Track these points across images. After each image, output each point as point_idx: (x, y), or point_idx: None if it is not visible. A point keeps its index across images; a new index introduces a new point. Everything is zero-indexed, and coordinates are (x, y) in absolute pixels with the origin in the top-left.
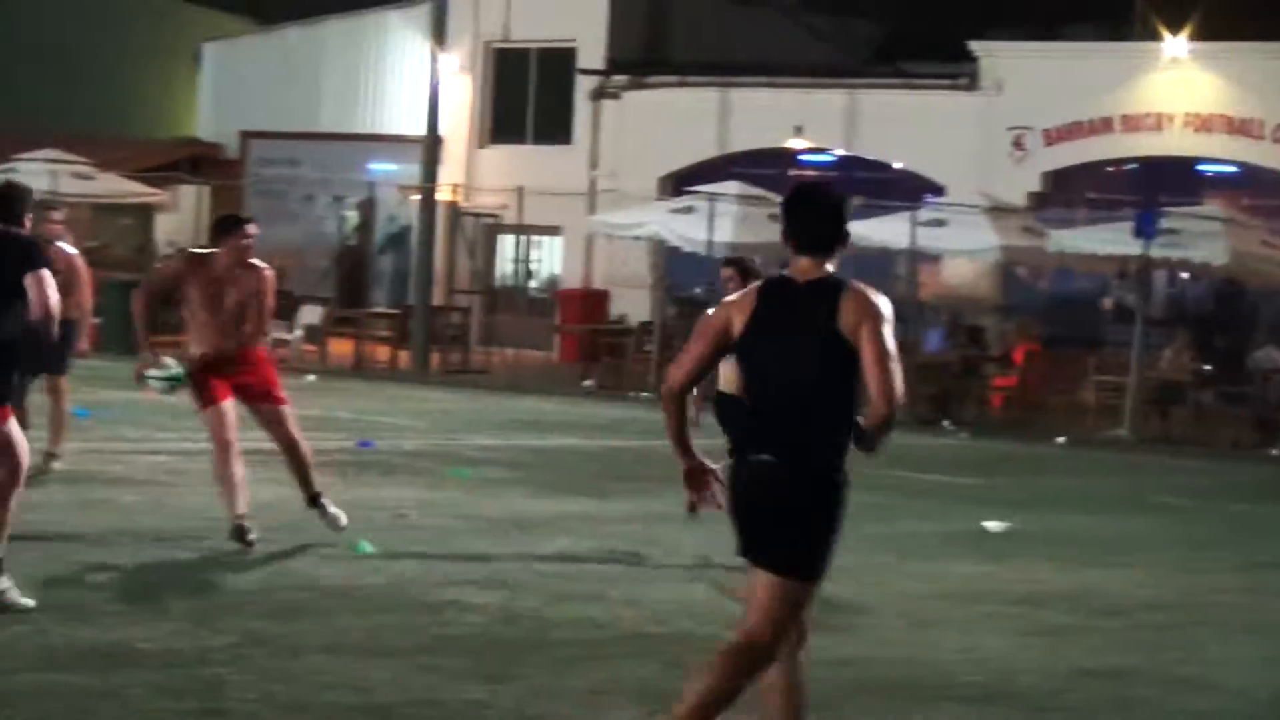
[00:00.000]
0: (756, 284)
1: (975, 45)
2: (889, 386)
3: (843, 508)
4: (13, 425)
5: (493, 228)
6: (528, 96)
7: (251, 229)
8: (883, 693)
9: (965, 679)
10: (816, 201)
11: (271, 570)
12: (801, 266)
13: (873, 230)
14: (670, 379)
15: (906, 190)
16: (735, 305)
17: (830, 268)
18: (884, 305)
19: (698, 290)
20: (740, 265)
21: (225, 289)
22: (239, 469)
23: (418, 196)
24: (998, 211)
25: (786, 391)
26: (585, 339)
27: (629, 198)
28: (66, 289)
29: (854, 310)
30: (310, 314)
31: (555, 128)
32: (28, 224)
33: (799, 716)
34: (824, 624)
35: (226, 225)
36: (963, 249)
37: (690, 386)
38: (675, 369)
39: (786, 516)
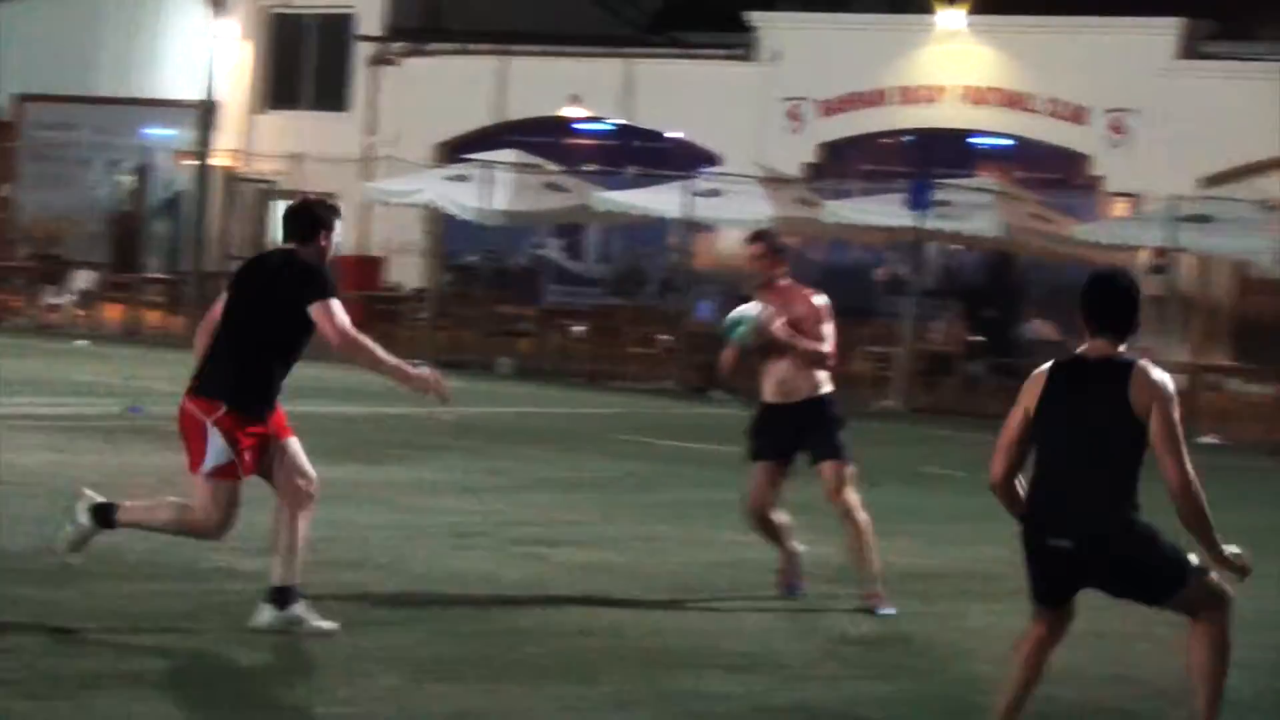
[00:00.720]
0: (1049, 364)
1: (753, 15)
2: (1178, 474)
3: (1149, 532)
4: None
5: (266, 193)
6: (306, 63)
7: None
8: (647, 660)
9: (729, 647)
10: (1114, 288)
11: (34, 537)
12: (1094, 347)
13: (647, 200)
14: (992, 474)
15: (683, 160)
16: (1032, 384)
17: (1122, 349)
18: (1170, 385)
19: (473, 258)
20: (769, 241)
21: None
22: None
23: (193, 161)
24: (773, 182)
25: (1079, 468)
26: (360, 305)
27: (406, 165)
28: None
29: (1144, 389)
30: (83, 279)
31: (333, 94)
32: (325, 243)
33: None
34: (587, 592)
35: None
36: (737, 219)
37: (1012, 475)
38: (995, 462)
39: (1112, 579)
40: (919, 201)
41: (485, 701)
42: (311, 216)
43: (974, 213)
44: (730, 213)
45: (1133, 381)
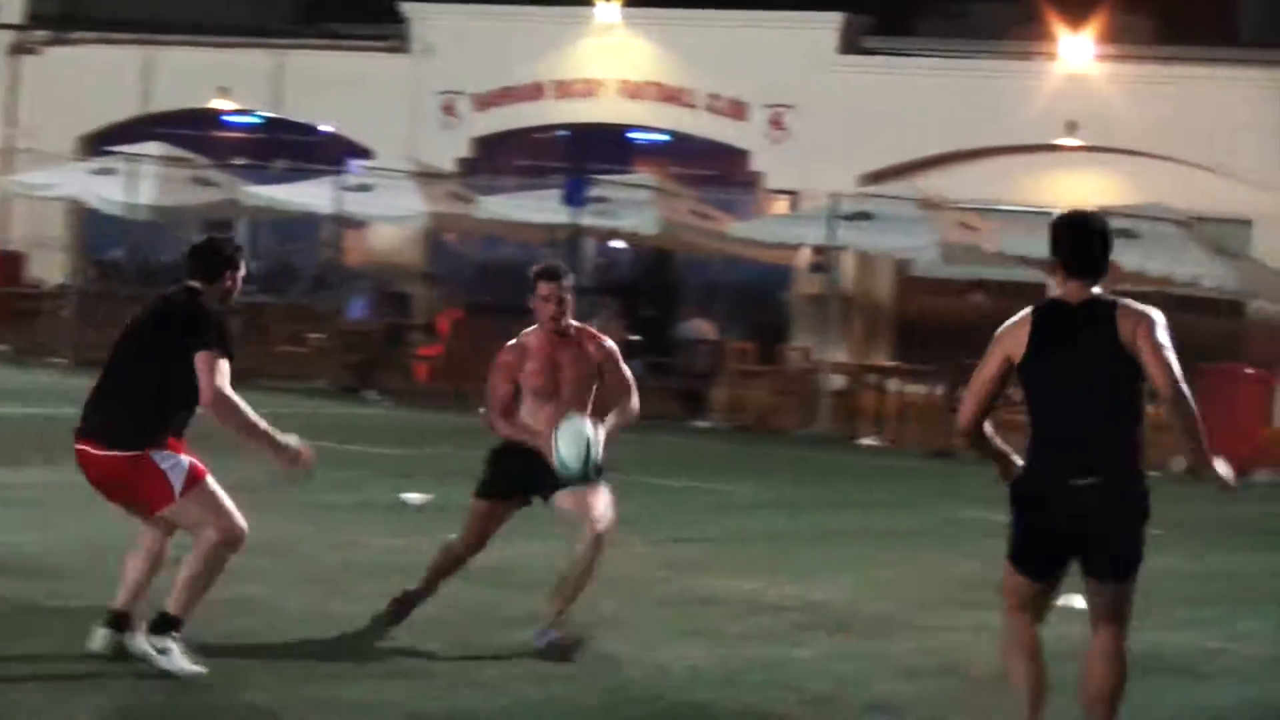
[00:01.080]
0: (1029, 310)
1: (405, 6)
2: (1167, 374)
3: (1146, 495)
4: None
5: None
6: None
7: None
8: (298, 668)
9: (382, 654)
10: (1086, 229)
11: None
12: (1070, 290)
13: (297, 194)
14: (962, 420)
15: (334, 154)
16: (1011, 332)
17: (1097, 290)
18: (1154, 312)
19: (118, 253)
20: (564, 280)
21: None
22: None
23: None
24: (426, 177)
25: (1084, 411)
26: None
27: (47, 157)
28: None
29: (1130, 322)
30: None
31: None
32: (231, 283)
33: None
34: (234, 598)
35: None
36: (389, 215)
37: (981, 420)
38: (965, 407)
39: (1116, 533)
40: (574, 198)
41: (130, 706)
42: (220, 257)
43: (631, 209)
44: (382, 208)
45: (1120, 319)
